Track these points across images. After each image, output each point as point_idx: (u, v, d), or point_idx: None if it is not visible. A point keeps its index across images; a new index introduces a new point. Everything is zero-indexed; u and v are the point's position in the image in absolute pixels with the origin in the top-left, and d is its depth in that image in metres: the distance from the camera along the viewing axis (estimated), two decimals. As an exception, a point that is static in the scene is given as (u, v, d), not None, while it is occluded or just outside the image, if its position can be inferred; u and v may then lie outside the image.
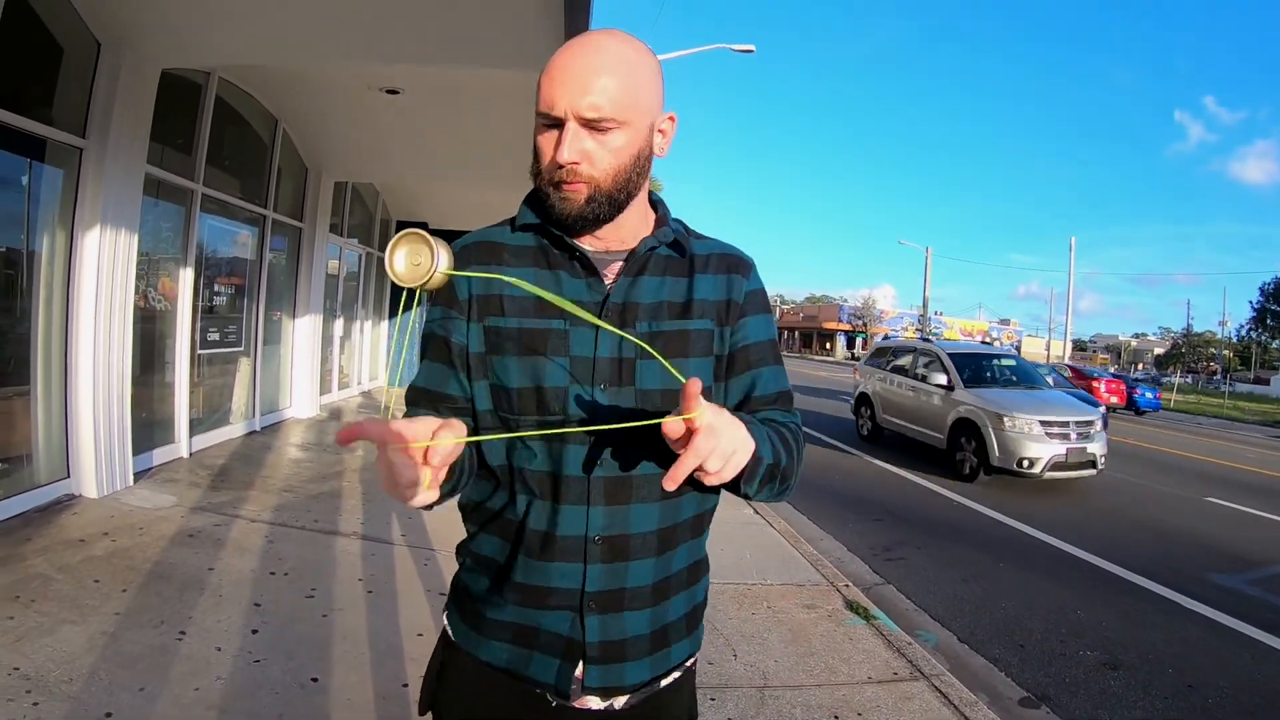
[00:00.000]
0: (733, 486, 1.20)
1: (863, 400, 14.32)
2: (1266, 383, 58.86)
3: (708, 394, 1.30)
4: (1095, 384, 26.26)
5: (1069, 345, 54.79)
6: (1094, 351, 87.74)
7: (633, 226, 1.34)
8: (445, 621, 1.44)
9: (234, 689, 3.15)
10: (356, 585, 4.47)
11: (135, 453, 5.89)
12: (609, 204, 1.25)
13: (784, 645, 4.33)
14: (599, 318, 1.23)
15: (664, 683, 1.40)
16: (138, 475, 5.94)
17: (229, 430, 8.14)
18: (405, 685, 3.39)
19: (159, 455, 6.58)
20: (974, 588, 6.09)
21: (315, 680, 3.33)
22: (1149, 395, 29.56)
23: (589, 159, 1.21)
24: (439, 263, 1.08)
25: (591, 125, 1.20)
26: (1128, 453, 15.89)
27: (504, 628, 1.32)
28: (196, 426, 7.33)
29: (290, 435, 8.79)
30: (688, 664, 1.45)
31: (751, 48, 18.78)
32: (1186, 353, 71.11)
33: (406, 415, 1.28)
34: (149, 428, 6.49)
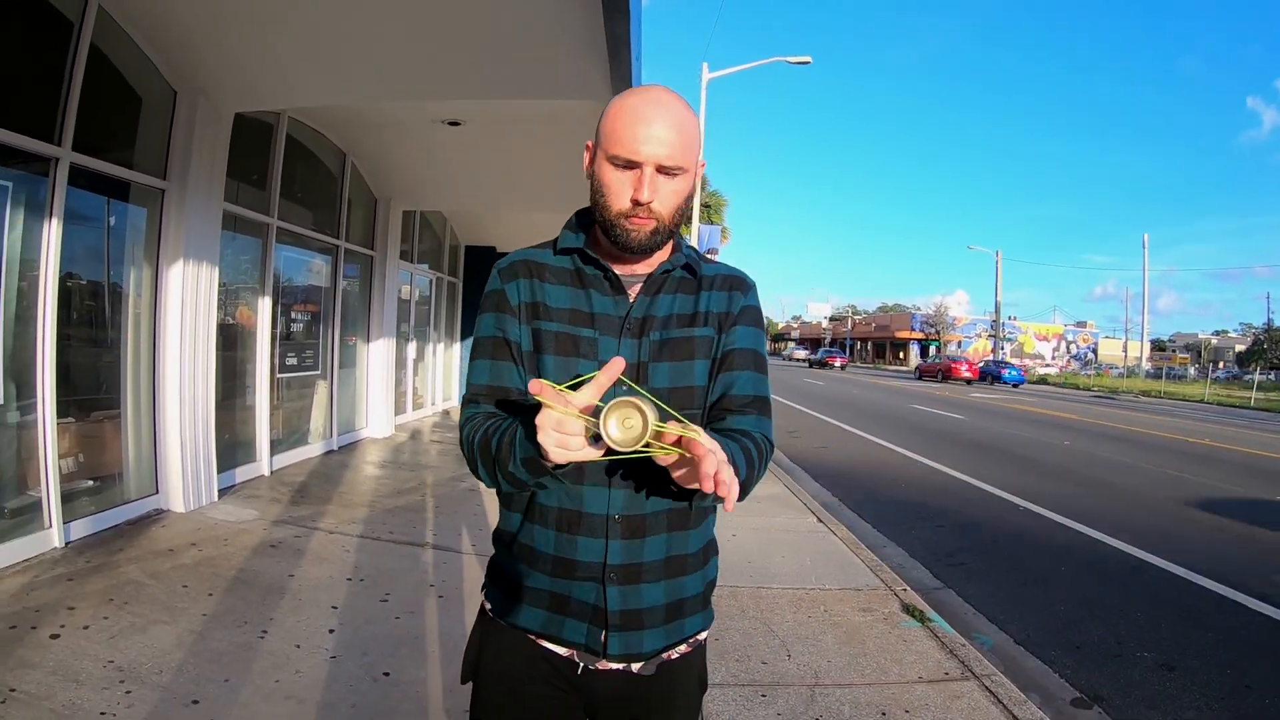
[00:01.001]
0: (702, 503, 1.50)
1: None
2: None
3: (703, 393, 1.58)
4: (956, 365, 45.31)
5: (1146, 345, 53.01)
6: (1173, 351, 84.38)
7: (658, 254, 1.58)
8: (484, 599, 1.65)
9: (311, 682, 3.40)
10: (428, 590, 4.71)
11: (219, 470, 6.28)
12: (666, 235, 1.51)
13: (838, 646, 4.37)
14: (622, 329, 1.53)
15: (676, 654, 1.60)
16: (222, 492, 6.32)
17: (308, 450, 8.53)
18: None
19: (241, 473, 6.97)
20: (1034, 591, 6.03)
21: (387, 675, 3.56)
22: (1014, 373, 45.10)
23: (659, 198, 1.45)
24: (650, 420, 1.18)
25: (664, 170, 1.43)
26: (1201, 454, 15.46)
27: (539, 596, 1.53)
28: (277, 446, 7.71)
29: (367, 454, 9.13)
30: (699, 638, 1.65)
31: (808, 59, 18.87)
32: (1269, 349, 67.52)
33: (468, 417, 1.53)
34: (232, 447, 6.88)
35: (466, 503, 7.00)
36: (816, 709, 3.63)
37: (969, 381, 44.36)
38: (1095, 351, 76.84)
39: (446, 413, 13.96)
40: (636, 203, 1.43)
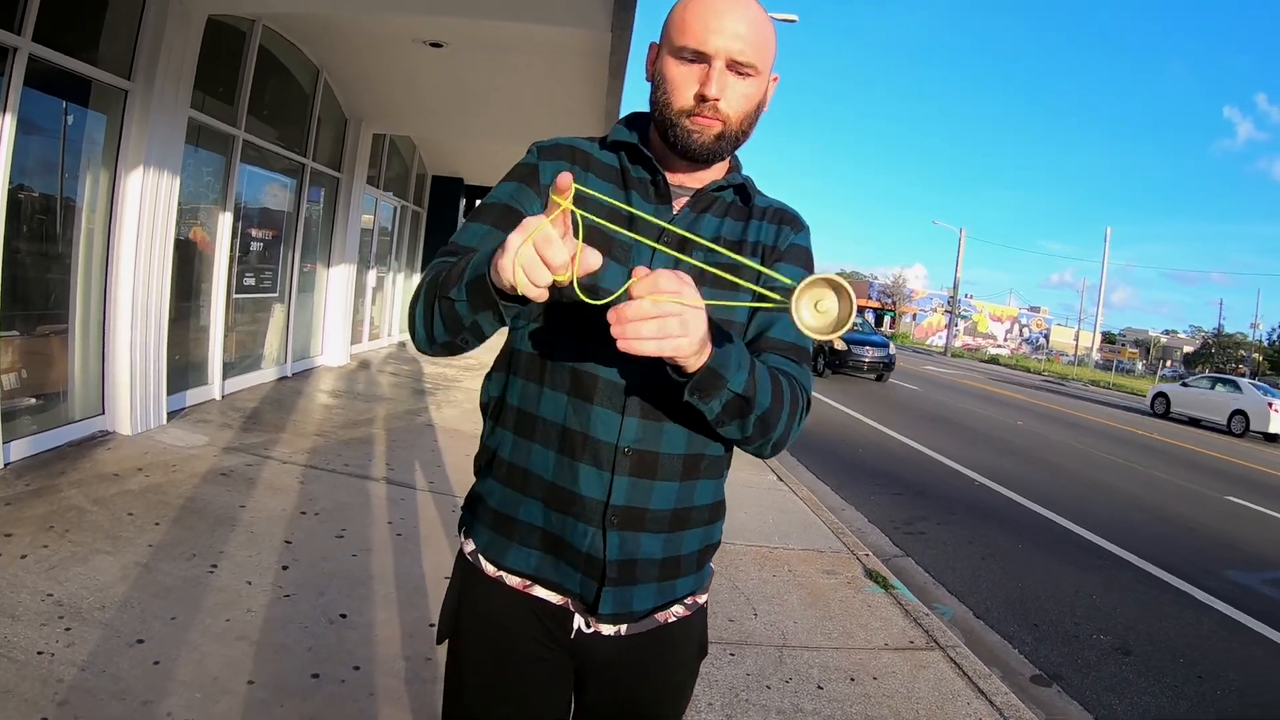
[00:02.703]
0: (685, 397, 1.18)
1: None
2: (1297, 389, 57.48)
3: (741, 329, 1.39)
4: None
5: (1098, 336, 54.22)
6: (1123, 345, 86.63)
7: (714, 169, 1.41)
8: (464, 540, 1.48)
9: (264, 622, 3.23)
10: (385, 528, 4.55)
11: (169, 393, 5.98)
12: (731, 144, 1.34)
13: (803, 608, 4.40)
14: (659, 239, 1.34)
15: (673, 617, 1.44)
16: (171, 415, 6.03)
17: (261, 375, 8.24)
18: (431, 625, 3.46)
19: (192, 396, 6.68)
20: (992, 565, 6.10)
21: (344, 616, 3.40)
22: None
23: (727, 98, 1.28)
24: (854, 305, 1.01)
25: (735, 67, 1.27)
26: (1157, 449, 15.80)
27: (531, 532, 1.37)
28: (229, 370, 7.42)
29: (321, 382, 8.88)
30: (693, 600, 1.49)
31: (794, 18, 18.60)
32: (1216, 353, 70.03)
33: (437, 267, 1.28)
34: (183, 369, 6.58)
35: (423, 438, 6.84)
36: (785, 670, 3.64)
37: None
38: (1047, 337, 78.32)
39: (402, 344, 13.69)
40: (703, 99, 1.27)
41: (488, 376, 1.49)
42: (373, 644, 3.22)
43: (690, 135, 1.30)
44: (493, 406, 1.45)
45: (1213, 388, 24.12)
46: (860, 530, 6.43)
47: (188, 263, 6.61)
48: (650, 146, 1.39)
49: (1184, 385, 26.29)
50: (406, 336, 14.20)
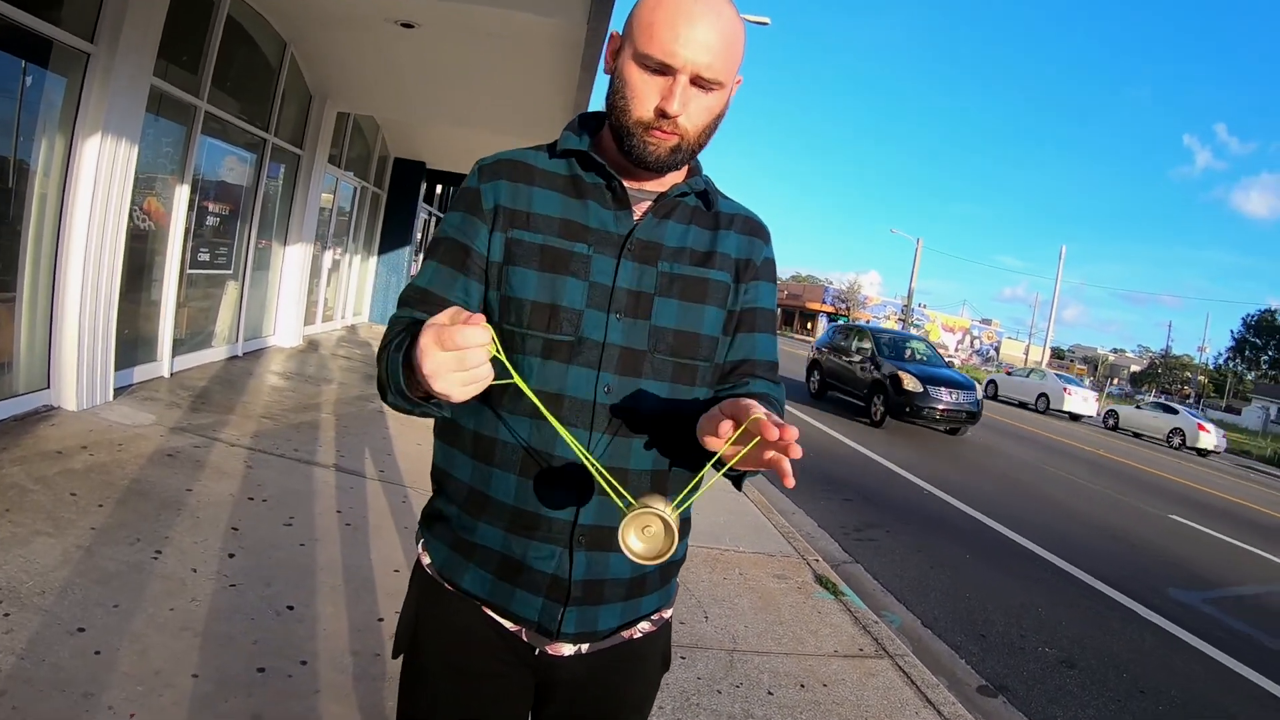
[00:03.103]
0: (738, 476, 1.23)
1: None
2: (1238, 412, 59.52)
3: (713, 345, 1.37)
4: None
5: (1048, 351, 55.26)
6: (1071, 361, 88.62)
7: (673, 173, 1.36)
8: (422, 552, 1.43)
9: (209, 612, 3.14)
10: (334, 517, 4.46)
11: (117, 369, 5.81)
12: (687, 156, 1.29)
13: (754, 612, 4.41)
14: (622, 250, 1.30)
15: (637, 634, 1.42)
16: (118, 391, 5.86)
17: (211, 353, 8.07)
18: (380, 620, 3.41)
19: (140, 373, 6.50)
20: (940, 575, 6.17)
21: (291, 608, 3.33)
22: None
23: (688, 113, 1.23)
24: (675, 529, 1.05)
25: (699, 82, 1.22)
26: (1104, 465, 16.11)
27: (488, 556, 1.32)
28: (179, 347, 7.24)
29: (272, 363, 8.72)
30: (658, 616, 1.46)
31: (767, 20, 18.62)
32: (1162, 373, 72.06)
33: (393, 319, 1.34)
34: (132, 344, 6.40)
35: (374, 425, 6.73)
36: (736, 675, 3.64)
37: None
38: (998, 350, 79.67)
39: (354, 328, 13.53)
40: (663, 114, 1.21)
41: None
42: (320, 638, 3.15)
43: (646, 147, 1.25)
44: (444, 427, 1.39)
45: (1155, 411, 29.93)
46: (810, 535, 6.47)
47: (142, 234, 6.43)
48: (603, 150, 1.34)
49: (1137, 408, 31.64)
50: (359, 319, 14.04)
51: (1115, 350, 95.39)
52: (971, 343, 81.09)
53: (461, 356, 0.95)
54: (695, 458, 1.37)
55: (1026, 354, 57.83)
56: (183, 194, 6.76)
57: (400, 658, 1.43)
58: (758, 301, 1.44)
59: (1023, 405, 31.23)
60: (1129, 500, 11.81)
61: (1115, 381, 68.93)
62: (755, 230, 1.45)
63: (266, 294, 9.52)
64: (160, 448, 4.92)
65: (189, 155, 6.76)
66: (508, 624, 1.33)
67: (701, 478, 1.12)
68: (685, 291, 1.33)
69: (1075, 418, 29.71)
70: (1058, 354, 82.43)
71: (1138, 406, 32.00)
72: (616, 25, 1.35)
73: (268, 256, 9.37)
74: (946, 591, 5.82)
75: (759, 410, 1.01)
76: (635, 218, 1.33)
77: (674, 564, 1.46)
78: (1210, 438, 26.78)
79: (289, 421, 6.26)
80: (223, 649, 2.90)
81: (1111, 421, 30.64)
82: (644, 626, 1.43)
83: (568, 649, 1.34)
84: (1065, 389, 29.90)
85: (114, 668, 2.63)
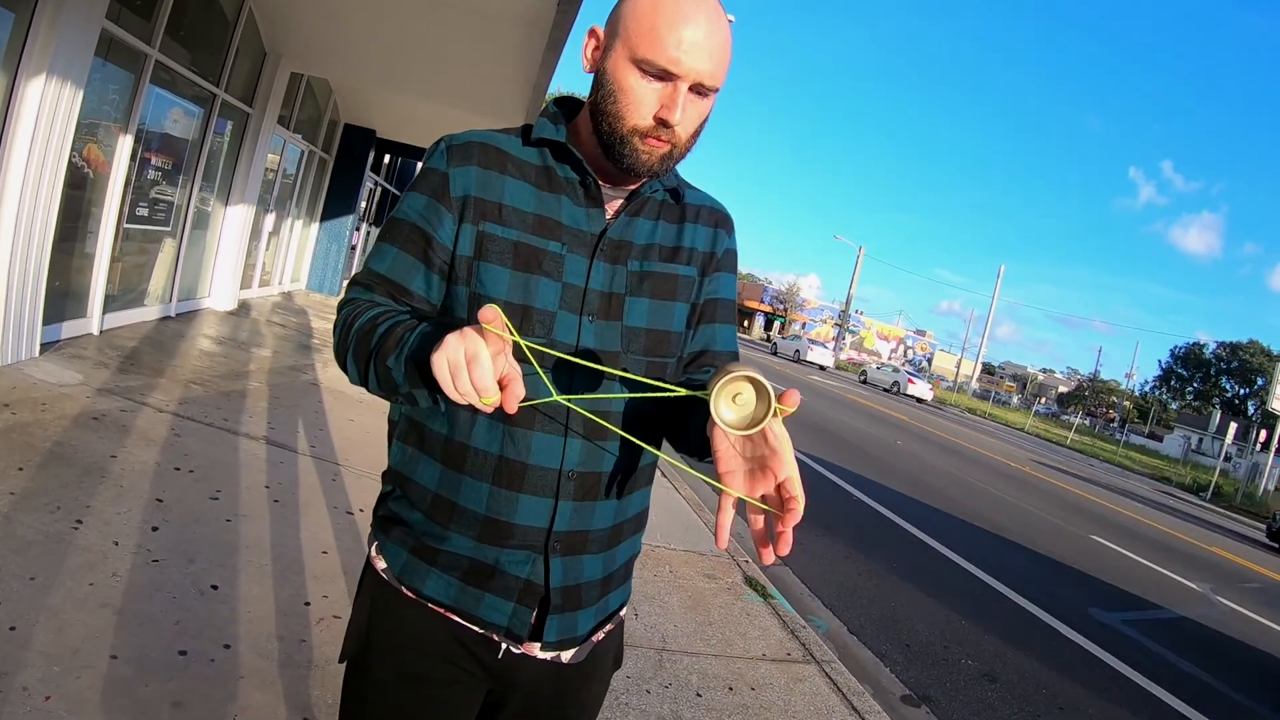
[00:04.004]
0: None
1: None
2: (1160, 439, 61.88)
3: (681, 341, 1.36)
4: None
5: (979, 366, 56.50)
6: (1001, 378, 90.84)
7: None
8: (376, 556, 1.35)
9: (130, 588, 3.02)
10: (263, 492, 4.34)
11: (44, 323, 5.56)
12: (676, 162, 1.26)
13: (684, 611, 4.43)
14: (595, 250, 1.27)
15: (603, 635, 1.40)
16: (44, 347, 5.61)
17: (143, 312, 7.79)
18: (307, 604, 3.32)
19: (68, 329, 6.24)
20: (867, 583, 6.25)
21: (215, 588, 3.22)
22: None
23: (684, 121, 1.20)
24: (772, 400, 0.99)
25: (698, 89, 1.18)
26: (1029, 483, 16.52)
27: (454, 561, 1.26)
28: (110, 303, 6.97)
29: (206, 326, 8.47)
30: (621, 613, 1.45)
31: (731, 18, 18.66)
32: (1089, 396, 74.27)
33: (351, 299, 1.27)
34: (61, 298, 6.13)
35: (307, 397, 6.58)
36: (665, 675, 3.64)
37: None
38: (930, 361, 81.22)
39: (290, 294, 13.23)
40: (662, 123, 1.17)
41: None
42: (245, 620, 3.06)
43: (639, 155, 1.21)
44: (408, 429, 1.33)
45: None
46: (740, 535, 6.47)
47: (80, 183, 6.16)
48: (579, 142, 1.29)
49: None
50: (296, 286, 13.75)
51: (1045, 370, 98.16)
52: (905, 352, 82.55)
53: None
54: (653, 459, 1.37)
55: (958, 368, 59.12)
56: (126, 144, 6.50)
57: (344, 663, 1.38)
58: (719, 293, 1.43)
59: (885, 390, 39.68)
60: (1051, 518, 12.10)
61: (1044, 400, 70.89)
62: (720, 221, 1.43)
63: (204, 254, 9.24)
64: (86, 410, 4.72)
65: (135, 104, 6.50)
66: (473, 628, 1.28)
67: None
68: (655, 289, 1.31)
69: (920, 400, 39.52)
70: (988, 370, 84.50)
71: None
72: (590, 10, 1.30)
73: (207, 215, 9.09)
74: (872, 599, 5.91)
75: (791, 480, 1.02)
76: (608, 217, 1.30)
77: (634, 557, 1.44)
78: (917, 388, 39.50)
79: (220, 389, 6.07)
80: (143, 629, 2.79)
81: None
82: (608, 627, 1.41)
83: (545, 655, 1.30)
84: (910, 379, 40.43)
85: (29, 645, 2.51)
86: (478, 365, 0.95)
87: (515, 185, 1.26)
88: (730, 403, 1.01)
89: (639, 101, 1.18)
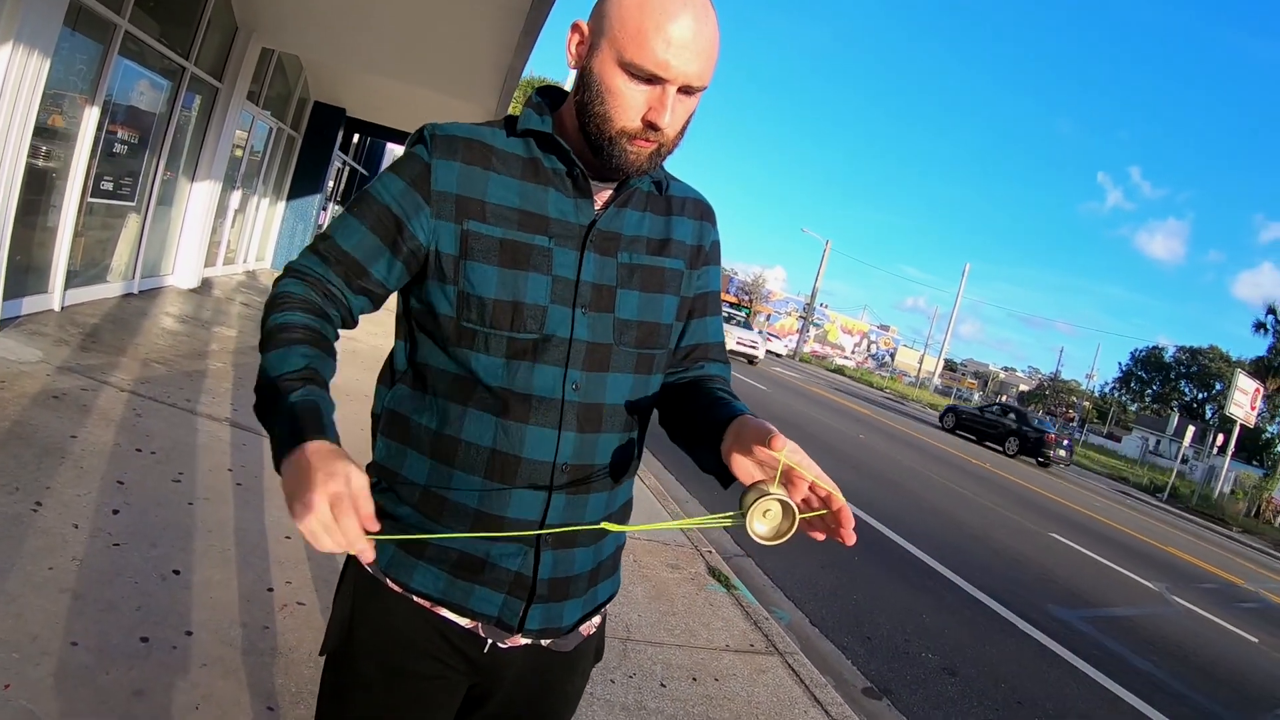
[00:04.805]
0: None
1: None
2: (1119, 440, 62.81)
3: (670, 333, 1.36)
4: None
5: (941, 363, 57.11)
6: (964, 375, 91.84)
7: None
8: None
9: (91, 573, 2.97)
10: (225, 475, 4.29)
11: (4, 298, 5.45)
12: (662, 160, 1.26)
13: (648, 601, 4.45)
14: (585, 242, 1.25)
15: (591, 629, 1.40)
16: (4, 323, 5.50)
17: (106, 289, 7.65)
18: (270, 590, 3.30)
19: (29, 304, 6.11)
20: (829, 575, 6.31)
21: (177, 573, 3.18)
22: None
23: (672, 121, 1.19)
24: (796, 514, 1.10)
25: (687, 89, 1.17)
26: (991, 480, 16.71)
27: (443, 554, 1.25)
28: (73, 279, 6.84)
29: (169, 304, 8.35)
30: (608, 605, 1.45)
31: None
32: (1049, 395, 75.26)
33: (302, 266, 1.27)
34: (22, 272, 6.00)
35: (273, 379, 6.45)
36: (630, 665, 3.66)
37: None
38: (893, 356, 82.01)
39: (255, 273, 13.08)
40: (650, 125, 1.16)
41: (384, 385, 1.35)
42: (207, 606, 3.02)
43: (627, 156, 1.20)
44: (391, 423, 1.30)
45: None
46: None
47: (44, 154, 6.04)
48: (565, 133, 1.26)
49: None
50: (261, 264, 13.59)
51: (1007, 369, 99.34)
52: (868, 346, 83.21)
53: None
54: (641, 447, 1.39)
55: (921, 363, 59.65)
56: (92, 116, 6.36)
57: (324, 656, 1.35)
58: (709, 286, 1.44)
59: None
60: (1012, 515, 12.25)
61: (1004, 398, 71.84)
62: (705, 214, 1.43)
63: (168, 231, 9.09)
64: (46, 388, 4.63)
65: (103, 76, 6.36)
66: (461, 621, 1.26)
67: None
68: (645, 282, 1.31)
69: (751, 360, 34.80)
70: (950, 366, 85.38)
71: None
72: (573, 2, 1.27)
73: (173, 191, 8.94)
74: (834, 591, 5.97)
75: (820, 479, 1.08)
76: (597, 208, 1.28)
77: (620, 548, 1.45)
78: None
79: (182, 369, 5.99)
80: (104, 615, 2.75)
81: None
82: (595, 620, 1.41)
83: (525, 641, 1.29)
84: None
85: (-14, 630, 2.47)
86: (340, 533, 0.95)
87: (499, 181, 1.23)
88: (760, 517, 1.10)
89: (627, 104, 1.16)
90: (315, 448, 0.98)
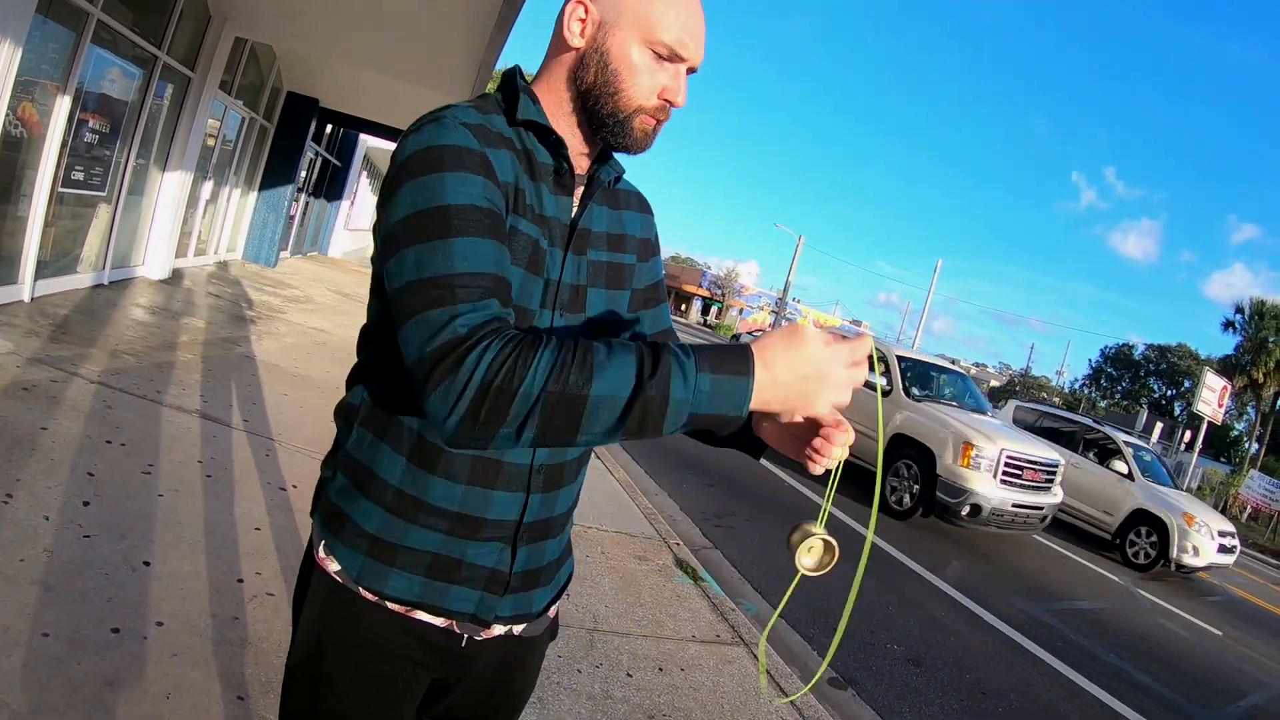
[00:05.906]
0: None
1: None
2: (1087, 435, 63.14)
3: (626, 326, 1.36)
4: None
5: (913, 359, 57.44)
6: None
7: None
8: (325, 558, 1.27)
9: (62, 564, 2.99)
10: (195, 467, 4.30)
11: (-27, 287, 5.42)
12: (654, 138, 1.27)
13: (615, 592, 4.49)
14: (569, 243, 1.24)
15: (554, 611, 1.45)
16: (-28, 313, 5.47)
17: (76, 279, 7.61)
18: (240, 580, 3.32)
19: (-2, 295, 6.10)
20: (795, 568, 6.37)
21: (147, 564, 3.20)
22: None
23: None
24: (837, 552, 1.30)
25: (691, 72, 1.23)
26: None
27: (418, 558, 1.22)
28: (43, 269, 6.79)
29: (140, 295, 8.30)
30: (568, 585, 1.49)
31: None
32: (1020, 391, 75.85)
33: (487, 314, 1.01)
34: (-9, 263, 5.99)
35: (241, 370, 6.50)
36: (596, 655, 3.70)
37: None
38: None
39: (225, 264, 12.99)
40: (669, 103, 1.21)
41: (360, 380, 1.28)
42: (177, 598, 3.04)
43: (635, 134, 1.21)
44: (371, 415, 1.25)
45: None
46: (672, 518, 6.58)
47: (14, 144, 5.99)
48: (555, 125, 1.23)
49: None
50: (232, 255, 13.50)
51: (978, 364, 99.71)
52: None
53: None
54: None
55: (893, 359, 59.87)
56: (63, 105, 6.33)
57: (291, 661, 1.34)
58: (658, 276, 1.47)
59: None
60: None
61: (973, 393, 72.24)
62: (645, 206, 1.45)
63: (139, 221, 9.03)
64: (16, 379, 4.62)
65: (75, 64, 6.32)
66: (436, 621, 1.25)
67: (831, 496, 1.31)
68: (608, 279, 1.31)
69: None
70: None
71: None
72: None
73: (144, 181, 8.88)
74: (801, 584, 6.01)
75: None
76: (574, 203, 1.27)
77: (570, 530, 1.48)
78: None
79: (153, 360, 5.97)
80: (75, 606, 2.78)
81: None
82: (558, 603, 1.44)
83: (499, 629, 1.31)
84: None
85: (-42, 621, 2.49)
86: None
87: (501, 167, 1.16)
88: (806, 553, 1.27)
89: (647, 80, 1.19)
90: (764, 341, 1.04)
